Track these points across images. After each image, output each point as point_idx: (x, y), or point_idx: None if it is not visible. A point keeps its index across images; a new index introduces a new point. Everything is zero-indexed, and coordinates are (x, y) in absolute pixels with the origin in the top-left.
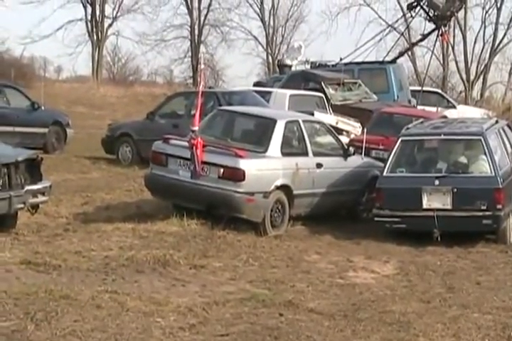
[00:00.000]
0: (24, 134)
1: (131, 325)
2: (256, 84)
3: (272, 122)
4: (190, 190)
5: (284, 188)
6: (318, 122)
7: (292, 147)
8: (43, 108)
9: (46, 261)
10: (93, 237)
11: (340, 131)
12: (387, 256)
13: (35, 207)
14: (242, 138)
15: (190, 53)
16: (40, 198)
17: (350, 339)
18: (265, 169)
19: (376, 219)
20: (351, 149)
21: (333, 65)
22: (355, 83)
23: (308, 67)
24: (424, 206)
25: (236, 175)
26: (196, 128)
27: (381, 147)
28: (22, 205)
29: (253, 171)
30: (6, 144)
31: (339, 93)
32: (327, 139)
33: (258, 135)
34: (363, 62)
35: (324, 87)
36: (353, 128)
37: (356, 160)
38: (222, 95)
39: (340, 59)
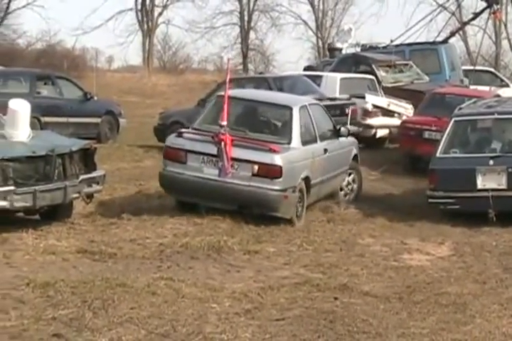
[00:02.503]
0: (78, 124)
1: (187, 311)
2: (306, 69)
3: (287, 110)
4: (219, 188)
5: (305, 179)
6: (318, 104)
7: (306, 135)
8: (95, 98)
9: (102, 249)
10: (147, 225)
11: (392, 113)
12: (442, 237)
13: (90, 197)
14: (260, 129)
15: (239, 40)
16: (95, 187)
17: (406, 321)
18: (294, 162)
19: (430, 200)
20: (343, 129)
21: (383, 47)
22: (407, 64)
23: (358, 49)
24: (479, 186)
25: (273, 172)
26: (225, 123)
27: (434, 128)
28: (77, 195)
29: (287, 166)
30: (60, 135)
31: (390, 75)
32: (325, 121)
33: (277, 125)
34: (414, 43)
35: (375, 69)
36: (405, 110)
37: (343, 140)
38: (273, 80)
39: (391, 41)
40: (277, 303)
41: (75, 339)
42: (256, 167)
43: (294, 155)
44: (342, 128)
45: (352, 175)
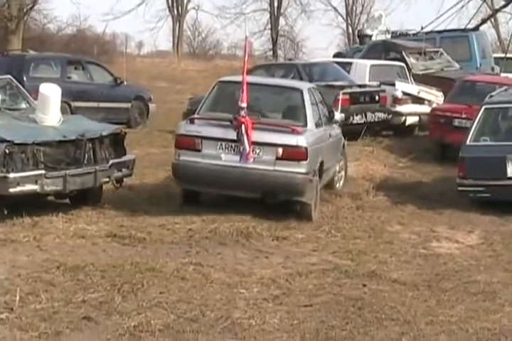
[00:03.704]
0: (108, 109)
1: (216, 296)
2: (336, 55)
3: (298, 92)
4: (240, 175)
5: (320, 164)
6: (317, 89)
7: (315, 118)
8: (125, 83)
9: (131, 234)
10: (176, 210)
11: (422, 101)
12: (471, 225)
13: (119, 181)
14: (273, 113)
15: (269, 26)
16: (125, 172)
17: (435, 309)
18: (314, 144)
19: (459, 188)
20: (339, 115)
21: (414, 34)
22: (437, 52)
23: (388, 36)
24: (509, 175)
25: (299, 155)
26: (245, 104)
27: (464, 116)
28: (107, 179)
29: (311, 148)
30: (91, 119)
31: (420, 62)
32: (323, 106)
33: (290, 107)
34: (445, 31)
35: (405, 56)
36: (435, 97)
37: (336, 127)
38: (303, 67)
39: (422, 28)
40: (305, 289)
41: (105, 322)
42: (280, 150)
43: (313, 137)
44: (337, 115)
45: (341, 162)
